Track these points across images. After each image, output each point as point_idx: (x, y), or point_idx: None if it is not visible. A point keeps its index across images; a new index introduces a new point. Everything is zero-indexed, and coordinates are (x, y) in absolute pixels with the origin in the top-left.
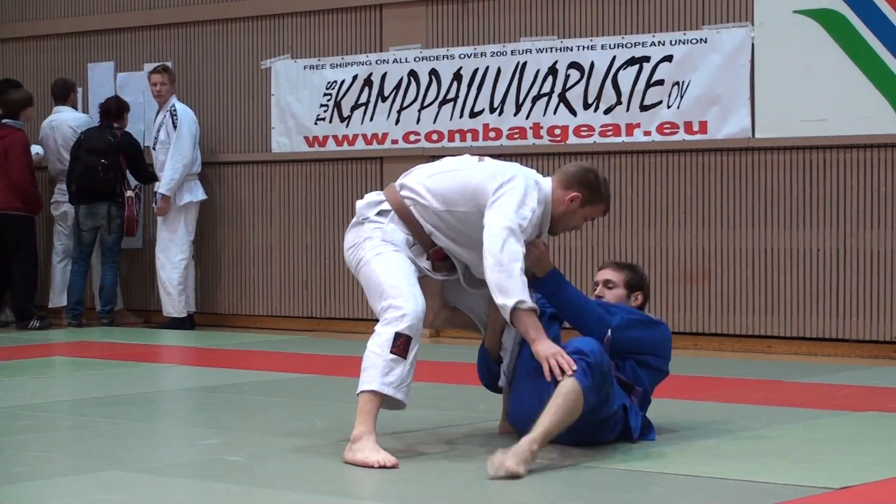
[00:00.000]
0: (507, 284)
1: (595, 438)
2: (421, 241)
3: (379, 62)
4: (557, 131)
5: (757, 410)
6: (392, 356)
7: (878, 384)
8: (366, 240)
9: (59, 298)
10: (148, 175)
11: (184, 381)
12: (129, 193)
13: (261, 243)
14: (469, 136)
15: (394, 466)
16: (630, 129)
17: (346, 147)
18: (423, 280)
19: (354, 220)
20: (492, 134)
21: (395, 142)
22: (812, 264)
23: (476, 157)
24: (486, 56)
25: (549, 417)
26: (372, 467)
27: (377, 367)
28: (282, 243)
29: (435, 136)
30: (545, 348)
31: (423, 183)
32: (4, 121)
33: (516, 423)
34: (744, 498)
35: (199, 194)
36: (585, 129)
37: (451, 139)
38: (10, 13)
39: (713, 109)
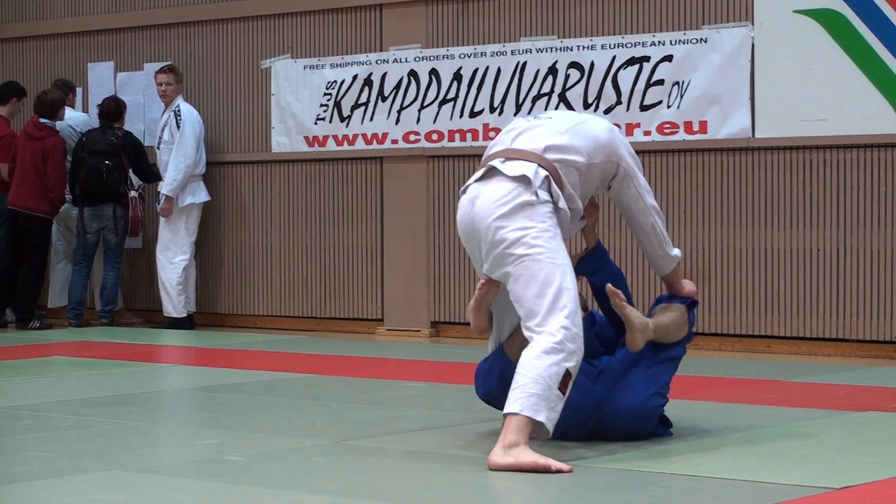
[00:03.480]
0: (668, 238)
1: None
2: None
3: (379, 62)
4: None
5: (757, 410)
6: (558, 393)
7: (878, 384)
8: (540, 225)
9: (58, 299)
10: (151, 174)
11: (184, 381)
12: (132, 194)
13: (261, 243)
14: (469, 135)
15: (570, 471)
16: (630, 128)
17: (346, 147)
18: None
19: (520, 195)
20: (492, 134)
21: (395, 141)
22: (812, 264)
23: (566, 110)
24: (486, 56)
25: (665, 317)
26: (549, 470)
27: (547, 400)
28: (282, 243)
29: (435, 136)
30: (690, 287)
31: (566, 139)
32: (42, 120)
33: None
34: (744, 498)
35: (201, 196)
36: None
37: (451, 139)
38: (10, 13)
39: (713, 109)
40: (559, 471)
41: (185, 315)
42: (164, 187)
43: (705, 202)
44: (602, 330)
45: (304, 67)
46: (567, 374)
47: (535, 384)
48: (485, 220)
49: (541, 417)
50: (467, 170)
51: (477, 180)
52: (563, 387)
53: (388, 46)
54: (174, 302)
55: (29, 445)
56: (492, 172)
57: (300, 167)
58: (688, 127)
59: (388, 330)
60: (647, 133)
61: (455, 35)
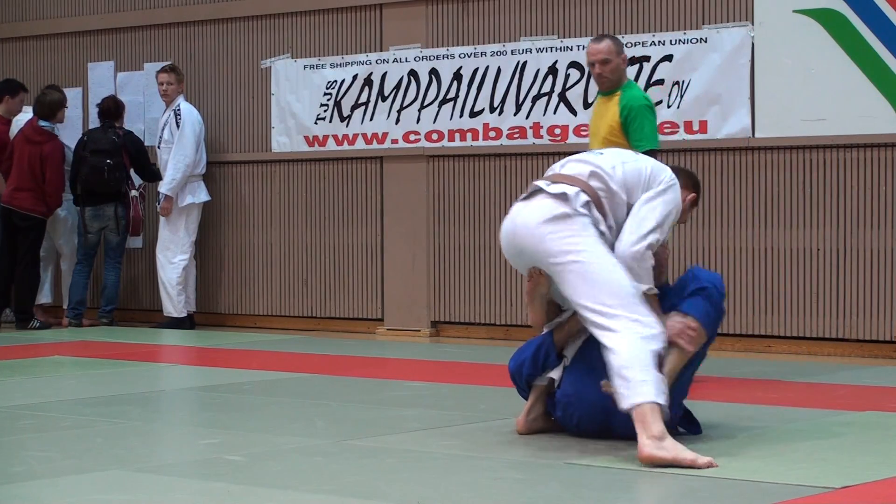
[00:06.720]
0: (641, 272)
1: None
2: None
3: (379, 62)
4: (557, 131)
5: (757, 410)
6: (660, 374)
7: (878, 384)
8: (583, 232)
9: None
10: (152, 173)
11: (184, 381)
12: (133, 193)
13: (261, 243)
14: (469, 135)
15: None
16: None
17: (346, 147)
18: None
19: (559, 207)
20: (492, 133)
21: (395, 141)
22: (812, 264)
23: (628, 151)
24: (486, 56)
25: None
26: (701, 468)
27: (659, 383)
28: (282, 243)
29: (435, 136)
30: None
31: (609, 173)
32: (41, 123)
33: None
34: (744, 498)
35: (201, 196)
36: (585, 128)
37: (451, 139)
38: (10, 13)
39: (713, 109)
40: (709, 466)
41: (185, 315)
42: (164, 187)
43: (705, 202)
44: None
45: (304, 67)
46: (658, 355)
47: (645, 372)
48: (527, 233)
49: (662, 400)
50: (467, 170)
51: (522, 200)
52: (659, 368)
53: (388, 46)
54: (174, 302)
55: (29, 445)
56: (536, 193)
57: (300, 167)
58: (688, 127)
59: (388, 330)
60: None
61: (455, 35)
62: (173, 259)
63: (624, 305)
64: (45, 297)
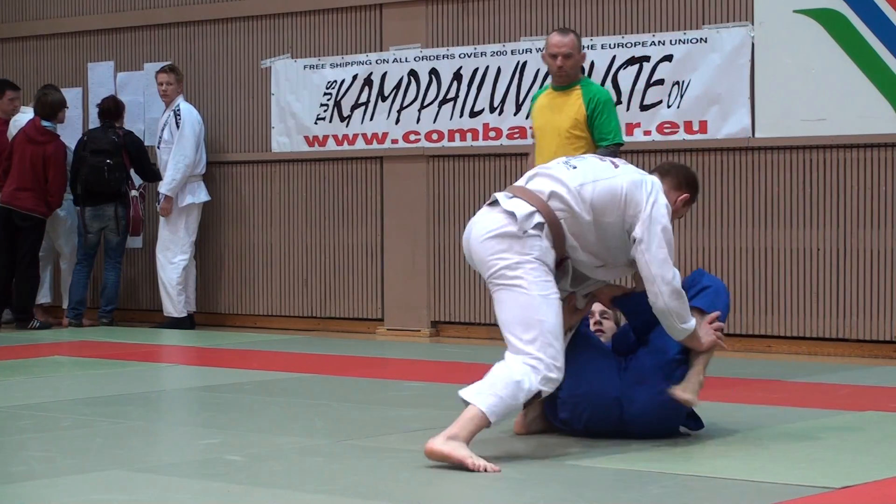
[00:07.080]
0: (683, 311)
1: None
2: (558, 253)
3: (379, 62)
4: None
5: (757, 410)
6: (520, 404)
7: (878, 384)
8: (524, 257)
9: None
10: (153, 173)
11: (184, 381)
12: (133, 193)
13: (261, 243)
14: (469, 135)
15: (495, 471)
16: (630, 128)
17: (346, 147)
18: None
19: (506, 226)
20: (492, 133)
21: (395, 141)
22: (812, 264)
23: (608, 161)
24: (486, 56)
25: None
26: (477, 469)
27: (504, 402)
28: (282, 243)
29: (435, 136)
30: (705, 341)
31: (574, 193)
32: (45, 123)
33: (585, 396)
34: (744, 498)
35: (201, 196)
36: None
37: (451, 139)
38: (10, 13)
39: (713, 109)
40: (485, 470)
41: (185, 315)
42: (163, 187)
43: (705, 202)
44: (625, 336)
45: (304, 67)
46: (538, 394)
47: (497, 380)
48: (475, 245)
49: (492, 420)
50: (467, 170)
51: (485, 206)
52: (528, 402)
53: (388, 46)
54: (174, 302)
55: (29, 445)
56: (496, 203)
57: (300, 167)
58: (688, 127)
59: (388, 330)
60: (647, 133)
61: (455, 35)
62: (173, 259)
63: (535, 342)
64: (43, 296)
